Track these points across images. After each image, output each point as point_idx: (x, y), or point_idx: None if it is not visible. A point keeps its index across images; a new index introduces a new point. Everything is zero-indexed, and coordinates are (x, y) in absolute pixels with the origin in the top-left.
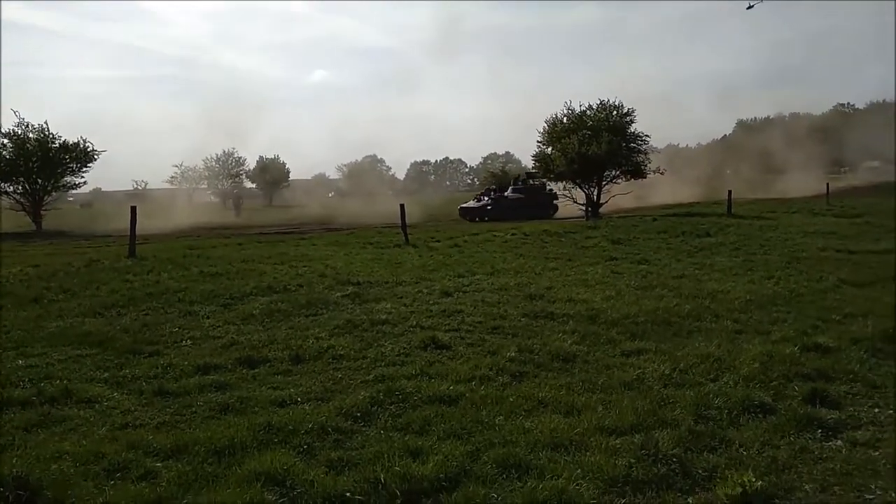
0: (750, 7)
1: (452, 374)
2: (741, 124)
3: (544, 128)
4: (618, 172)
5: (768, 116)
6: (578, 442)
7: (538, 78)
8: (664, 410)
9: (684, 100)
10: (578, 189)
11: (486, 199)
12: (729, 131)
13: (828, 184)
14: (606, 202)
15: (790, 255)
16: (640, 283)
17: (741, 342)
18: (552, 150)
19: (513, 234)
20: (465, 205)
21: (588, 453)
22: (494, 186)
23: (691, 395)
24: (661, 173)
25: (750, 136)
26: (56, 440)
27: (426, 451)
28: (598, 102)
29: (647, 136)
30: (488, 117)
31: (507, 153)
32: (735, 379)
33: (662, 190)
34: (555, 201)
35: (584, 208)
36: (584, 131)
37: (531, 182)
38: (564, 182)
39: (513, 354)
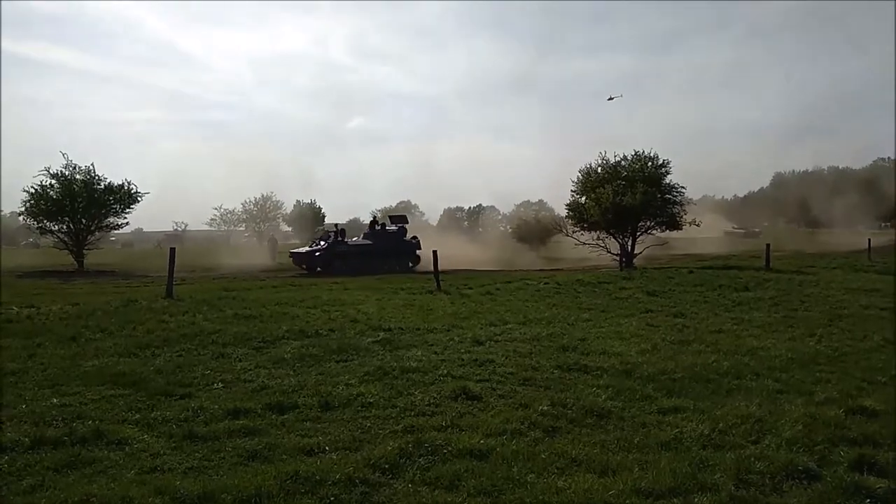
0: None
1: (483, 427)
2: (779, 177)
3: (578, 177)
4: (652, 223)
5: (807, 169)
6: None
7: (573, 127)
8: (703, 473)
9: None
10: (613, 239)
11: (322, 243)
12: (765, 184)
13: (869, 239)
14: (641, 253)
15: (832, 313)
16: (676, 338)
17: (783, 402)
18: (586, 199)
19: (545, 283)
20: (296, 250)
21: None
22: (335, 230)
23: (731, 457)
24: (697, 225)
25: (787, 190)
26: (85, 482)
27: None
28: (634, 153)
29: (682, 187)
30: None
31: (541, 201)
32: (777, 442)
33: (698, 242)
34: (417, 251)
35: (617, 258)
36: (619, 181)
37: (385, 226)
38: (598, 232)
39: (545, 408)
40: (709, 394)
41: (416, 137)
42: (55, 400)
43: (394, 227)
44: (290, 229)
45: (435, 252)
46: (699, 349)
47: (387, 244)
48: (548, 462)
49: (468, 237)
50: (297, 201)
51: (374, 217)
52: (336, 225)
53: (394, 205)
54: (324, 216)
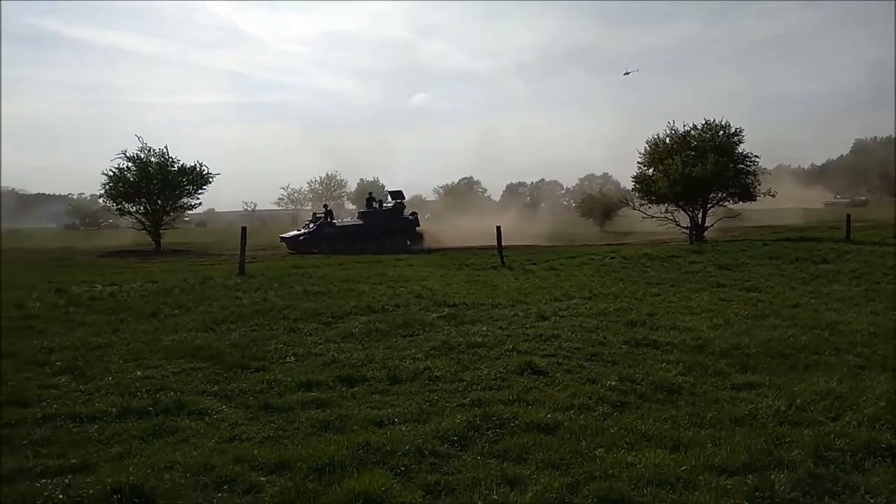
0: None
1: (550, 402)
2: (860, 144)
3: (645, 148)
4: (724, 194)
5: (890, 136)
6: (686, 480)
7: (637, 97)
8: (780, 450)
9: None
10: (682, 212)
11: (312, 226)
12: (846, 151)
13: None
14: (712, 225)
15: None
16: (750, 312)
17: (864, 378)
18: (653, 171)
19: (611, 258)
20: (285, 234)
21: (696, 492)
22: (325, 210)
23: (810, 434)
24: (772, 196)
25: (867, 157)
26: (169, 450)
27: (524, 481)
28: (704, 122)
29: (756, 156)
30: (585, 138)
31: (605, 174)
32: (859, 419)
33: (771, 213)
34: (417, 228)
35: (687, 231)
36: (689, 152)
37: (383, 204)
38: (667, 204)
39: (613, 383)
40: (785, 369)
41: (477, 113)
42: (139, 372)
43: (389, 205)
44: (353, 206)
45: (498, 228)
46: (775, 324)
47: (381, 223)
48: (617, 437)
49: (530, 212)
50: (361, 179)
51: (371, 194)
52: (325, 206)
53: (455, 181)
54: (387, 194)
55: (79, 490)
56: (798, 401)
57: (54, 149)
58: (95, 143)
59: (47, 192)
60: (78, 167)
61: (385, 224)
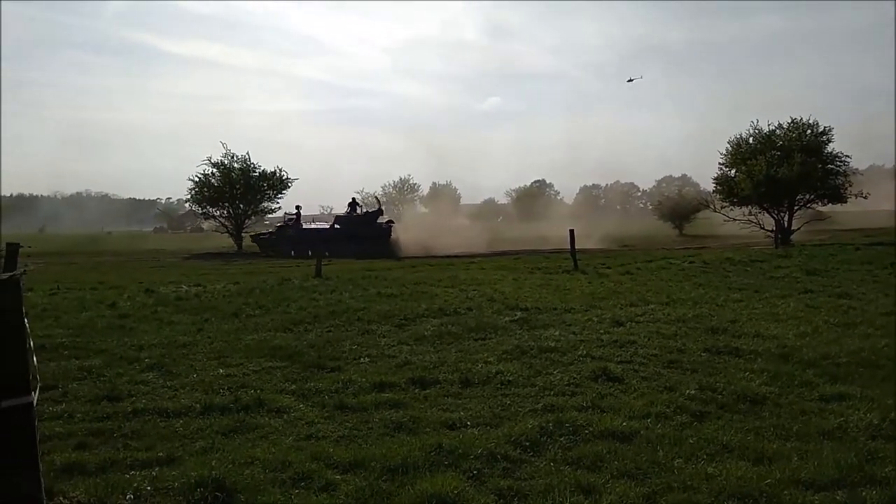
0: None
1: (626, 409)
2: None
3: (727, 149)
4: (812, 196)
5: None
6: (770, 494)
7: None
8: (871, 466)
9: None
10: (766, 214)
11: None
12: None
13: None
14: (799, 228)
15: None
16: (840, 320)
17: None
18: (736, 172)
19: (690, 262)
20: (258, 234)
21: None
22: (297, 211)
23: None
24: (865, 197)
25: None
26: (249, 446)
27: (599, 489)
28: (790, 121)
29: (847, 156)
30: (662, 137)
31: (684, 175)
32: None
33: (863, 215)
34: (391, 236)
35: (772, 235)
36: (773, 152)
37: (357, 209)
38: (750, 207)
39: (693, 392)
40: (878, 381)
41: (553, 114)
42: (221, 370)
43: (362, 212)
44: (426, 210)
45: (571, 231)
46: (867, 332)
47: (351, 229)
48: (696, 447)
49: (604, 214)
50: (434, 183)
51: (353, 199)
52: (297, 207)
53: (528, 184)
54: (459, 196)
55: (165, 482)
56: (892, 414)
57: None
58: (186, 150)
59: (137, 197)
60: (167, 173)
61: (355, 230)
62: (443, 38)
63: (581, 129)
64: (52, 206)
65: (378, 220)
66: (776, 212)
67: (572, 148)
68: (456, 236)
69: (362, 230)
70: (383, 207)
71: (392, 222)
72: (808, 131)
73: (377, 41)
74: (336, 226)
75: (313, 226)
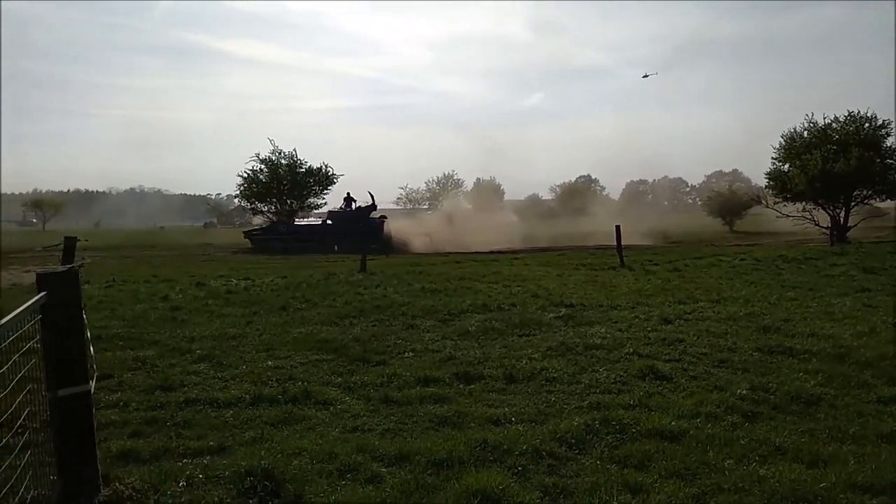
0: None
1: (674, 409)
2: None
3: (780, 143)
4: (870, 192)
5: None
6: (825, 498)
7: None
8: None
9: None
10: (821, 210)
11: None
12: None
13: None
14: (856, 225)
15: None
16: None
17: None
18: (790, 167)
19: (741, 260)
20: (250, 231)
21: None
22: (346, 200)
23: None
24: None
25: None
26: (297, 437)
27: (647, 489)
28: (847, 114)
29: None
30: (711, 132)
31: (735, 171)
32: None
33: None
34: (382, 233)
35: (827, 232)
36: (829, 146)
37: (350, 206)
38: (804, 203)
39: (744, 392)
40: None
41: (599, 110)
42: (270, 362)
43: (354, 208)
44: (469, 206)
45: (617, 227)
46: None
47: (342, 225)
48: (747, 448)
49: (652, 210)
50: (478, 179)
51: (349, 194)
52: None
53: (573, 180)
54: (503, 192)
55: (216, 471)
56: None
57: (194, 153)
58: (234, 147)
59: (189, 193)
60: (217, 169)
61: (346, 226)
62: (488, 35)
63: (628, 125)
64: (108, 201)
65: (371, 216)
66: (831, 208)
67: (618, 143)
68: (497, 232)
69: (354, 226)
70: (377, 203)
71: (385, 217)
72: (867, 125)
73: (422, 38)
74: (328, 221)
75: (304, 222)
